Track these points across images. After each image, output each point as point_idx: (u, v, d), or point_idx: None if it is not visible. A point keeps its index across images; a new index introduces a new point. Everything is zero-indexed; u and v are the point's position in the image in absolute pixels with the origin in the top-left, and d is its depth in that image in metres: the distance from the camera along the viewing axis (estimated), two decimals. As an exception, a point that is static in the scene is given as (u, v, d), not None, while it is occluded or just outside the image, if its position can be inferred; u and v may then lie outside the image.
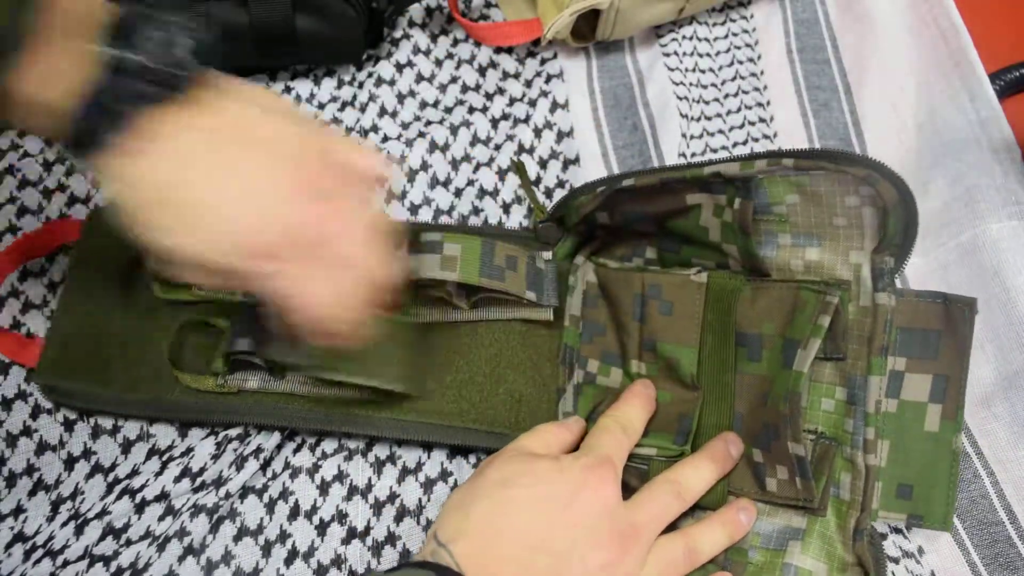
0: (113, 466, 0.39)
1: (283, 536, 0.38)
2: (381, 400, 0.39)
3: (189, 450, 0.39)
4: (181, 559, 0.37)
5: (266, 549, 0.38)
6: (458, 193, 0.47)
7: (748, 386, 0.38)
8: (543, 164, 0.47)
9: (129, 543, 0.37)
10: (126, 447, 0.40)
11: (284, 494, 0.39)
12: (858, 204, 0.36)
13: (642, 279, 0.40)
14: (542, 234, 0.42)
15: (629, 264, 0.42)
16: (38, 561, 0.36)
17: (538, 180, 0.47)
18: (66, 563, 0.36)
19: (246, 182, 0.29)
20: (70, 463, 0.39)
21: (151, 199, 0.29)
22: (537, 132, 0.48)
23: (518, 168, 0.44)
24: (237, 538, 0.38)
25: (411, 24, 0.51)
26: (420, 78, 0.50)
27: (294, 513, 0.38)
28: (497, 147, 0.48)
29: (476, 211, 0.46)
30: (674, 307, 0.39)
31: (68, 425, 0.40)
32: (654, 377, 0.40)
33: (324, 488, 0.39)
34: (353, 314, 0.32)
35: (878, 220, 0.36)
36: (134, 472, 0.39)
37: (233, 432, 0.39)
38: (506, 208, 0.46)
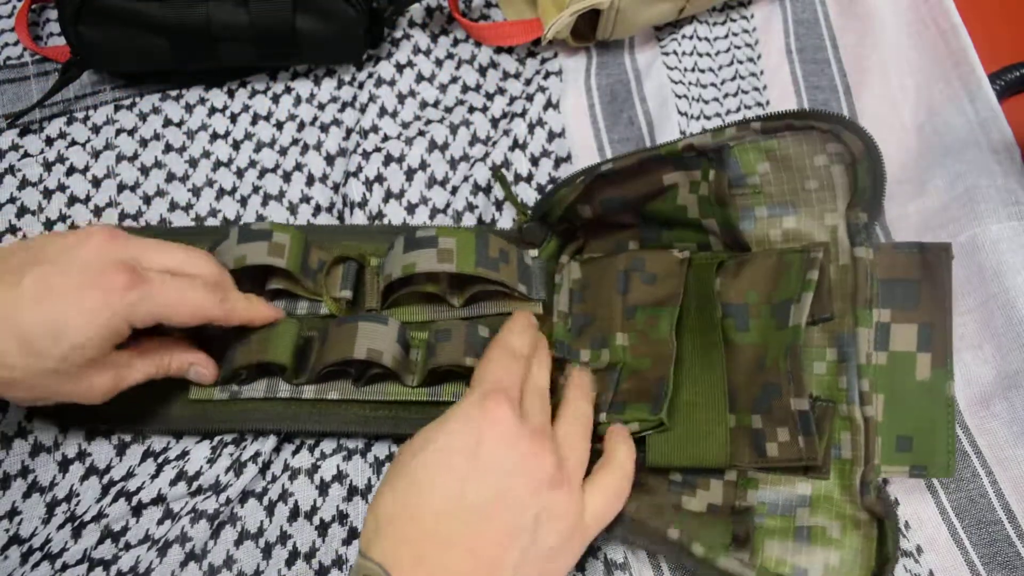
0: (108, 468, 0.39)
1: (284, 538, 0.38)
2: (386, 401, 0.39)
3: (184, 453, 0.39)
4: (183, 565, 0.36)
5: (267, 551, 0.37)
6: (454, 191, 0.46)
7: (741, 357, 0.38)
8: (535, 161, 0.47)
9: (128, 547, 0.37)
10: (121, 449, 0.40)
11: (284, 496, 0.38)
12: (827, 163, 0.37)
13: (626, 257, 0.41)
14: (527, 234, 0.43)
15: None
16: (36, 564, 0.36)
17: (530, 177, 0.47)
18: (65, 567, 0.36)
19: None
20: (64, 465, 0.39)
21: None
22: (531, 128, 0.48)
23: (498, 178, 0.45)
24: (238, 542, 0.37)
25: (411, 24, 0.51)
26: (420, 78, 0.50)
27: (294, 515, 0.38)
28: (493, 143, 0.48)
29: (471, 207, 0.46)
30: (657, 277, 0.40)
31: (63, 427, 0.40)
32: (635, 345, 0.40)
33: (324, 489, 0.39)
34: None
35: (848, 178, 0.37)
36: (129, 474, 0.39)
37: (228, 436, 0.39)
38: (499, 205, 0.46)
